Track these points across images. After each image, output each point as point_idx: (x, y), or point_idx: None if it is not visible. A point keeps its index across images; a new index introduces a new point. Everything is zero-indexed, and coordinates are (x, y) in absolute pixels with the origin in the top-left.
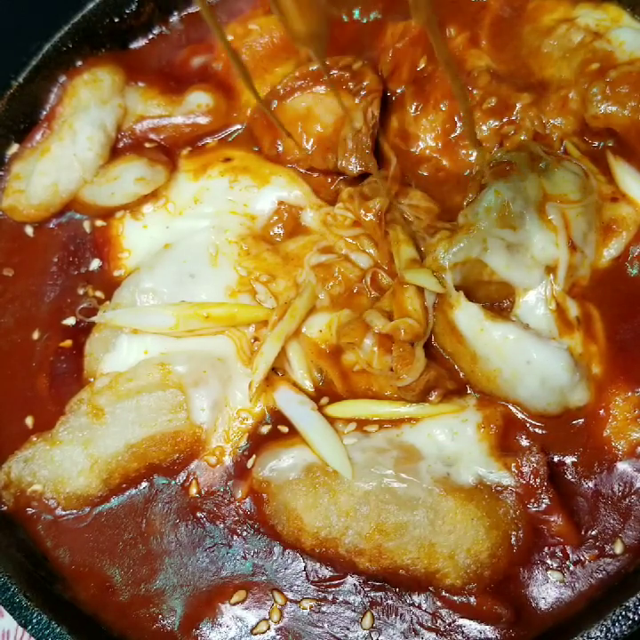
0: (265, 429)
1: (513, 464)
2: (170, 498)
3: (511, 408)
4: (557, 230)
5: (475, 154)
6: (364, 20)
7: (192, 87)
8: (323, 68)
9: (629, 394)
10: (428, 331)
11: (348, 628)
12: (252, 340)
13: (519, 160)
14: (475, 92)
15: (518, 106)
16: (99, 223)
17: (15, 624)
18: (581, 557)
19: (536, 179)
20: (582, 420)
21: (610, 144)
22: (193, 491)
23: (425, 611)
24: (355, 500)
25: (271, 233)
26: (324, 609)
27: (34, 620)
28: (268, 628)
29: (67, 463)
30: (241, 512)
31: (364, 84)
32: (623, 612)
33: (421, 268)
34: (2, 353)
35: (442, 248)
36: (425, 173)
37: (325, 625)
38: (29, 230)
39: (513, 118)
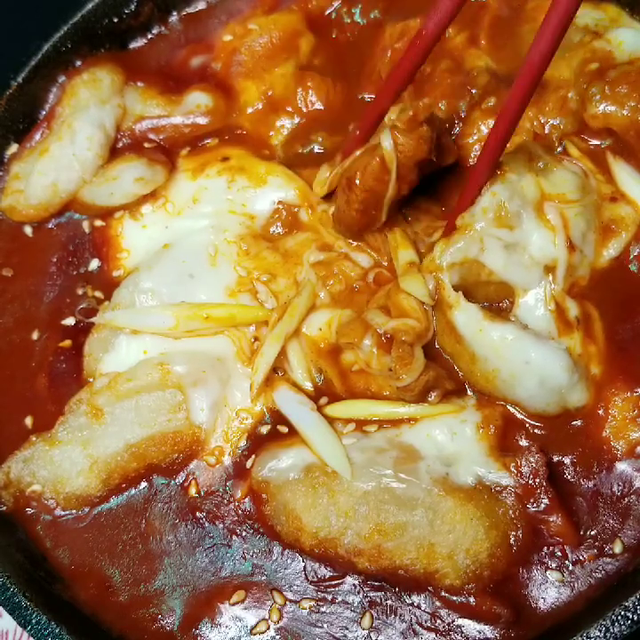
0: (264, 429)
1: (512, 464)
2: (169, 498)
3: (510, 408)
4: (555, 230)
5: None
6: (364, 21)
7: (191, 87)
8: None
9: (628, 394)
10: (430, 328)
11: (347, 628)
12: (253, 340)
13: (516, 160)
14: (474, 91)
15: None
16: (98, 223)
17: (14, 624)
18: (580, 557)
19: (534, 178)
20: (581, 420)
21: (608, 143)
22: (192, 491)
23: (424, 611)
24: (354, 500)
25: (271, 230)
26: (323, 609)
27: (33, 621)
28: (268, 628)
29: (66, 463)
30: (240, 512)
31: None
32: (622, 612)
33: (415, 276)
34: (1, 353)
35: (439, 249)
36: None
37: (325, 625)
38: (28, 230)
39: None
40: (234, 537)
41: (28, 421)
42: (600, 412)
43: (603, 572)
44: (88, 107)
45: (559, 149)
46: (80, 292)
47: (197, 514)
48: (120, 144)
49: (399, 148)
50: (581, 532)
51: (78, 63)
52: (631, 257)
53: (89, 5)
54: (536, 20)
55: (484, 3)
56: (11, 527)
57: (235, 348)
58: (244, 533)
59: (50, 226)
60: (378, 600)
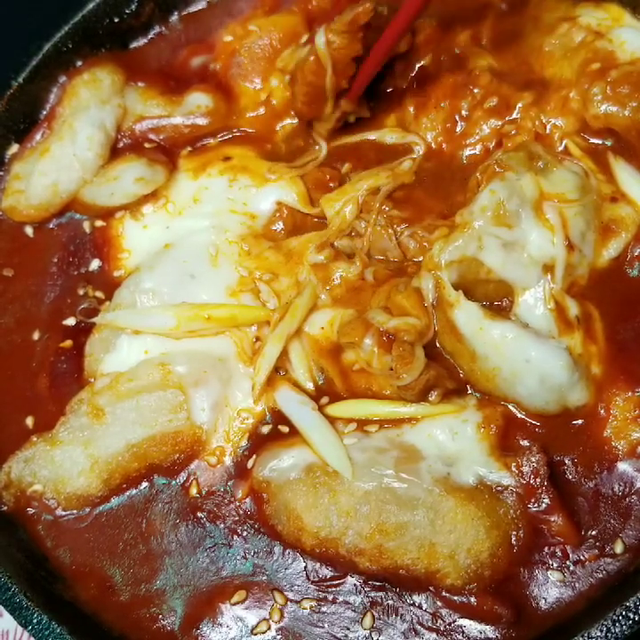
0: (265, 429)
1: (513, 464)
2: (170, 498)
3: (511, 408)
4: (554, 229)
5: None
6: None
7: (192, 88)
8: None
9: (629, 394)
10: (431, 326)
11: (348, 628)
12: (254, 340)
13: (516, 159)
14: (476, 91)
15: (519, 105)
16: (98, 223)
17: (15, 624)
18: (581, 557)
19: (533, 177)
20: (582, 419)
21: (609, 143)
22: (193, 491)
23: (425, 611)
24: (355, 500)
25: (272, 228)
26: (324, 609)
27: (34, 621)
28: (269, 628)
29: (67, 463)
30: (241, 512)
31: None
32: (623, 612)
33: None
34: (2, 353)
35: (437, 247)
36: (426, 171)
37: (326, 625)
38: (29, 230)
39: (514, 117)
40: (235, 537)
41: (29, 421)
42: (601, 411)
43: (604, 571)
44: (89, 107)
45: (560, 149)
46: (81, 292)
47: (198, 514)
48: (121, 144)
49: (332, 45)
50: (582, 532)
51: (79, 63)
52: (630, 257)
53: (90, 5)
54: (539, 19)
55: (486, 1)
56: (12, 527)
57: (236, 349)
58: (244, 533)
59: (50, 226)
60: (379, 600)
